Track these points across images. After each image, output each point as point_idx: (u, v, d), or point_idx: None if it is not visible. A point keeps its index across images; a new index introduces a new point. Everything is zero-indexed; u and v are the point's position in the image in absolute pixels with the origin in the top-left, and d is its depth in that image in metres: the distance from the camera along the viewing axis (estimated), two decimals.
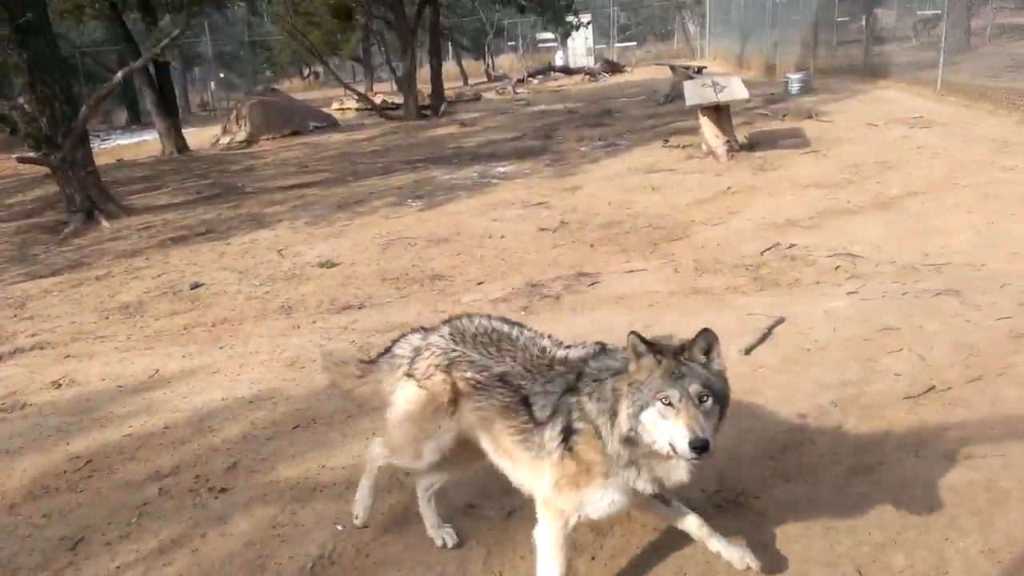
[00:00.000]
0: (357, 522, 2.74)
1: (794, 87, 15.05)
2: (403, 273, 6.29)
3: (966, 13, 15.66)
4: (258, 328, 5.36)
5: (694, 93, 10.04)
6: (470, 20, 33.70)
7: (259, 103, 18.41)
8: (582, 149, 11.68)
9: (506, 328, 2.54)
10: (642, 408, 2.07)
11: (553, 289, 5.46)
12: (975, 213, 6.10)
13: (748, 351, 3.98)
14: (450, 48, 34.62)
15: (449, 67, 30.32)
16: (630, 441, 2.11)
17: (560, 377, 2.31)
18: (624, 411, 2.12)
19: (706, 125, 9.64)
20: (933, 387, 3.31)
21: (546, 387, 2.31)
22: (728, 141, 9.48)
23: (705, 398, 2.05)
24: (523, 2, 18.85)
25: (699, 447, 1.96)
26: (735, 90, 9.88)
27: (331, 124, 18.99)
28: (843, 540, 2.45)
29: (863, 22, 19.78)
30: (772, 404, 3.35)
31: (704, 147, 9.74)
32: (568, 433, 2.24)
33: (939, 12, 14.99)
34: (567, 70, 28.80)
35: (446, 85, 21.93)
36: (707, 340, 2.12)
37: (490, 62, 33.93)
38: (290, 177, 11.86)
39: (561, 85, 25.64)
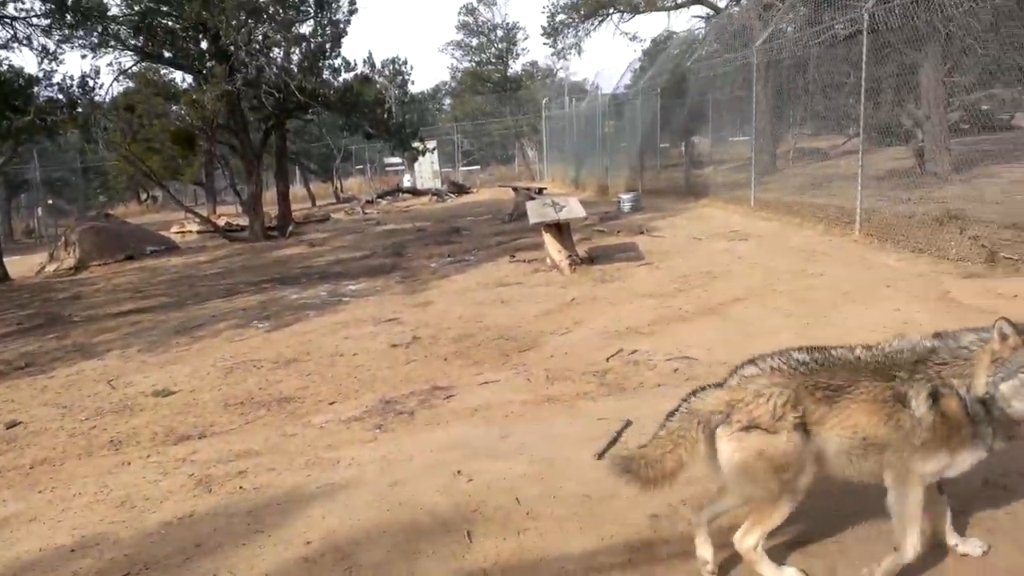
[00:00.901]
0: None
1: (626, 206, 16.15)
2: (248, 398, 6.01)
3: (772, 140, 17.62)
4: (83, 467, 4.89)
5: (536, 212, 10.57)
6: (317, 145, 34.08)
7: (90, 228, 17.51)
8: (432, 266, 11.86)
9: (822, 351, 2.84)
10: (1004, 379, 2.50)
11: (408, 405, 5.39)
12: (792, 316, 6.67)
13: (601, 455, 4.06)
14: (297, 171, 34.68)
15: (297, 189, 30.30)
16: (984, 404, 2.53)
17: (906, 361, 2.67)
18: (982, 379, 2.53)
19: (549, 241, 10.11)
20: None
21: (899, 371, 2.64)
22: (570, 256, 9.96)
23: None
24: (370, 130, 19.31)
25: None
26: (573, 209, 10.49)
27: (170, 248, 18.30)
28: None
29: (683, 148, 21.80)
30: (626, 507, 3.41)
31: (548, 261, 10.17)
32: (935, 399, 2.58)
33: (748, 139, 16.75)
34: (415, 191, 29.53)
35: (294, 207, 21.84)
36: None
37: (338, 184, 34.22)
38: (123, 303, 11.21)
39: (410, 205, 26.19)
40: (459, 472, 4.03)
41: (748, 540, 2.72)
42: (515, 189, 18.74)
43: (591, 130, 24.76)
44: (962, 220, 8.88)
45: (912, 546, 2.61)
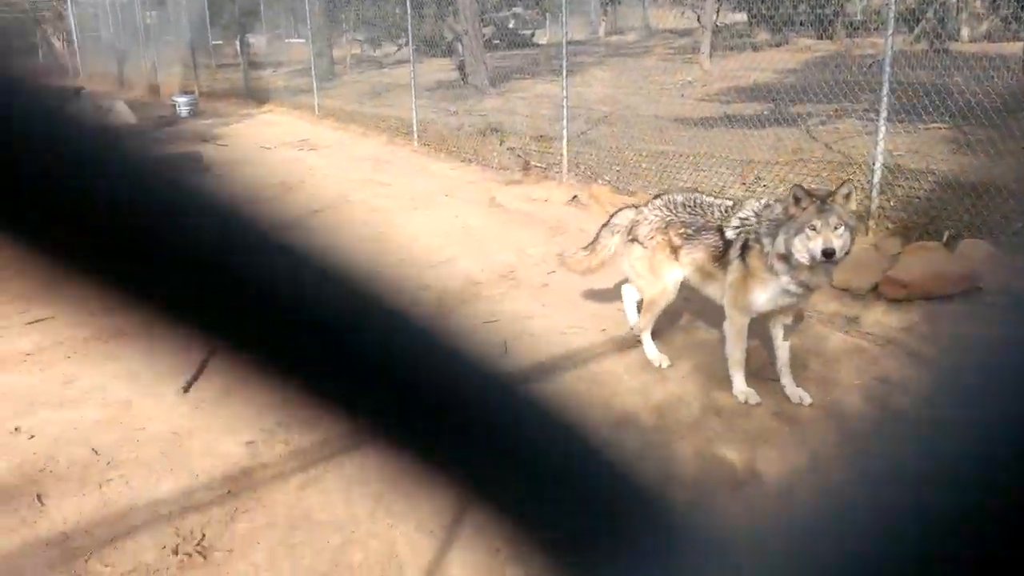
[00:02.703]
0: (664, 364, 3.97)
1: (183, 110, 14.92)
2: None
3: (328, 44, 17.61)
4: None
5: None
6: None
7: None
8: None
9: (701, 197, 3.81)
10: (796, 233, 3.21)
11: None
12: (368, 225, 6.97)
13: (187, 388, 3.90)
14: None
15: None
16: (782, 257, 3.28)
17: (740, 219, 3.54)
18: (782, 236, 3.26)
19: None
20: None
21: (732, 224, 3.55)
22: None
23: (838, 227, 3.16)
24: None
25: (828, 252, 3.13)
26: (121, 113, 9.42)
27: None
28: None
29: (238, 47, 20.65)
30: (218, 438, 3.36)
31: None
32: (745, 249, 3.47)
33: (304, 41, 16.50)
34: None
35: None
36: (848, 189, 3.26)
37: None
38: None
39: None
40: (17, 429, 3.53)
41: (641, 323, 3.98)
42: None
43: (130, 21, 21.99)
44: (500, 132, 10.07)
45: (734, 359, 3.62)
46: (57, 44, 32.00)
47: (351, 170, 9.40)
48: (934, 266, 4.63)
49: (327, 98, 14.34)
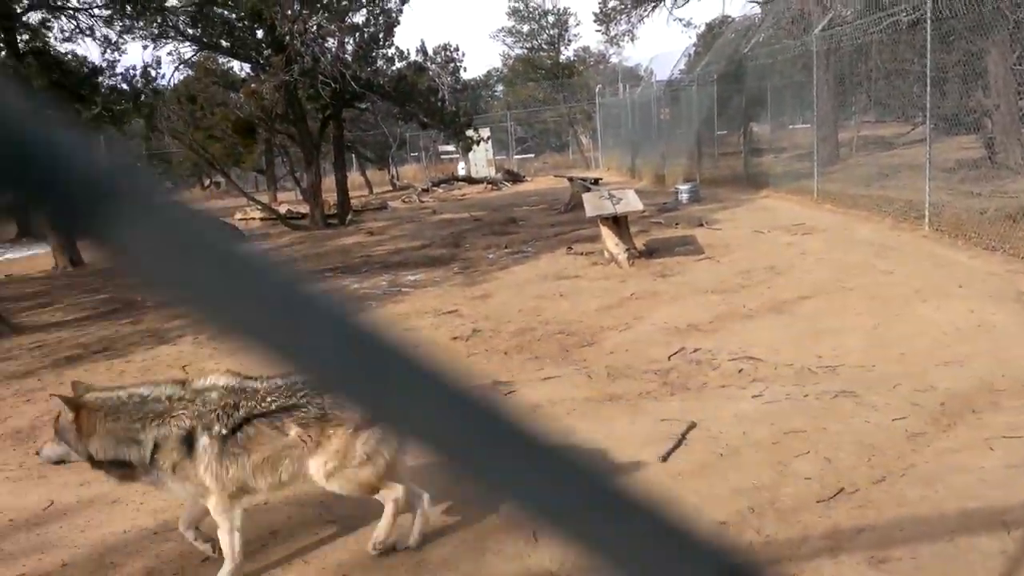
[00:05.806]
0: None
1: (684, 197, 15.97)
2: None
3: (834, 127, 17.21)
4: None
5: (593, 205, 10.53)
6: (373, 133, 34.41)
7: None
8: (490, 257, 11.93)
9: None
10: None
11: None
12: (863, 315, 6.54)
13: (665, 458, 4.08)
14: (354, 159, 35.10)
15: (354, 177, 30.69)
16: None
17: None
18: None
19: (606, 234, 10.07)
20: (842, 489, 3.47)
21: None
22: (628, 249, 9.91)
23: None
24: (424, 119, 19.37)
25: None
26: (631, 202, 10.42)
27: (235, 235, 18.67)
28: None
29: (740, 136, 21.42)
30: (692, 512, 3.42)
31: (606, 255, 10.14)
32: None
33: (809, 126, 16.38)
34: (470, 179, 29.63)
35: (351, 194, 22.11)
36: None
37: (394, 172, 34.53)
38: None
39: (465, 194, 26.32)
40: None
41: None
42: (570, 179, 18.63)
43: (646, 117, 24.49)
44: None
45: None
46: (584, 141, 37.21)
47: (848, 255, 8.93)
48: None
49: (827, 182, 13.97)
